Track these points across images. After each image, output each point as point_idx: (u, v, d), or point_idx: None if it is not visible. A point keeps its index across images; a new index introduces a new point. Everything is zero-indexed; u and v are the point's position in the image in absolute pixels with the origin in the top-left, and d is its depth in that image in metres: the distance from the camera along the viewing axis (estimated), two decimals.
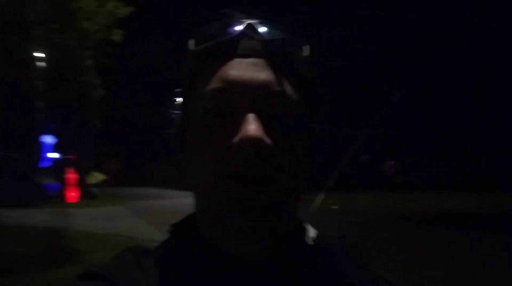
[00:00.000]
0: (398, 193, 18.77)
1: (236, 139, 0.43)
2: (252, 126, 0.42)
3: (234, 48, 0.48)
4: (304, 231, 0.55)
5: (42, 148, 21.17)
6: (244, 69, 0.46)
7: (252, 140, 0.42)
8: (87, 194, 17.38)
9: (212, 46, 0.49)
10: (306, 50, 0.52)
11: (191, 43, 0.51)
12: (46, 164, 20.93)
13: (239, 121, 0.44)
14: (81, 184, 17.18)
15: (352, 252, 0.55)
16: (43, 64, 8.56)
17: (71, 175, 16.82)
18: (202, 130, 0.47)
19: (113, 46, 8.24)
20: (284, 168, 0.45)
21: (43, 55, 8.26)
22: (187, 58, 0.52)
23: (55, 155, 21.94)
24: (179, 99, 0.54)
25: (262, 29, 0.49)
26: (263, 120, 0.44)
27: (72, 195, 16.71)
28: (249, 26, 0.49)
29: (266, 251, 0.47)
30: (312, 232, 0.56)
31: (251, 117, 0.43)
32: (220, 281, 0.47)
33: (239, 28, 0.49)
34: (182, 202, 9.12)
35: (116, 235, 7.88)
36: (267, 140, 0.43)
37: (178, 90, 0.54)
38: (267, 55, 0.48)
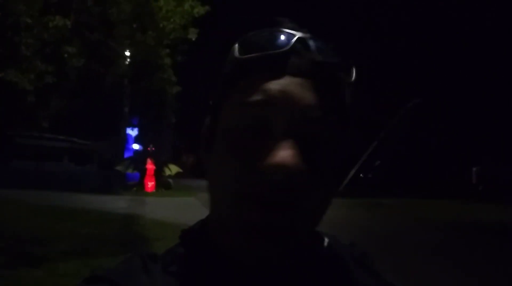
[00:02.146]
0: (476, 202, 17.45)
1: (268, 162, 0.41)
2: (287, 152, 0.41)
3: (281, 63, 0.45)
4: (316, 238, 0.55)
5: (126, 139, 22.80)
6: (289, 87, 0.44)
7: (285, 168, 0.40)
8: (163, 184, 18.33)
9: (258, 57, 0.46)
10: (353, 75, 0.49)
11: (236, 49, 0.48)
12: (128, 154, 22.50)
13: (274, 142, 0.42)
14: (158, 174, 18.14)
15: (363, 259, 0.55)
16: (126, 61, 9.13)
17: (150, 166, 17.84)
18: (230, 140, 0.45)
19: (189, 44, 8.54)
20: (310, 195, 0.43)
21: (126, 53, 8.82)
22: (228, 63, 0.50)
23: (137, 146, 23.50)
24: (213, 101, 0.52)
25: (313, 46, 0.46)
26: (299, 143, 0.42)
27: (150, 184, 17.72)
28: (299, 40, 0.46)
29: (279, 260, 0.46)
30: (323, 239, 0.56)
31: (288, 141, 0.42)
32: None
33: (289, 41, 0.46)
34: None
35: (186, 225, 7.92)
36: (299, 168, 0.41)
37: (213, 91, 0.52)
38: (315, 76, 0.45)
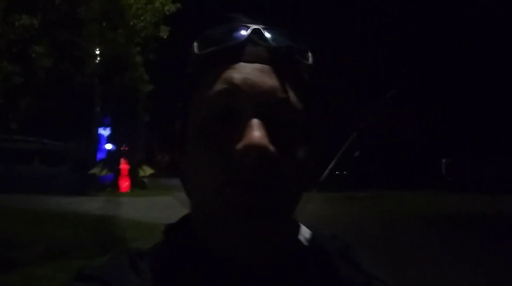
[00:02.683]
0: (445, 193, 17.96)
1: (240, 146, 0.42)
2: (257, 133, 0.42)
3: (239, 53, 0.47)
4: (298, 231, 0.55)
5: (99, 139, 22.35)
6: (250, 74, 0.46)
7: (257, 148, 0.41)
8: (138, 184, 18.08)
9: (217, 50, 0.48)
10: (310, 58, 0.52)
11: (195, 47, 0.50)
12: (101, 155, 22.07)
13: (243, 127, 0.43)
14: (132, 174, 17.89)
15: (346, 252, 0.56)
16: (96, 60, 8.94)
17: (124, 166, 17.57)
18: (203, 134, 0.46)
19: (160, 42, 8.44)
20: (287, 175, 0.44)
21: (95, 51, 8.65)
22: (190, 61, 0.52)
23: (110, 146, 23.12)
24: (180, 102, 0.53)
25: (268, 35, 0.48)
26: (267, 126, 0.43)
27: (124, 184, 17.46)
28: (255, 31, 0.48)
29: (262, 254, 0.47)
30: (306, 232, 0.56)
31: (255, 123, 0.43)
32: (215, 285, 0.47)
33: (245, 33, 0.48)
34: None
35: (162, 225, 8.06)
36: (271, 148, 0.42)
37: (179, 93, 0.54)
38: (272, 62, 0.47)
